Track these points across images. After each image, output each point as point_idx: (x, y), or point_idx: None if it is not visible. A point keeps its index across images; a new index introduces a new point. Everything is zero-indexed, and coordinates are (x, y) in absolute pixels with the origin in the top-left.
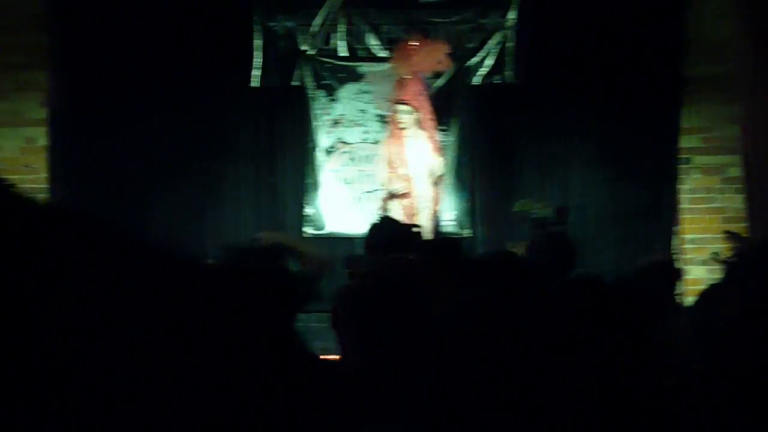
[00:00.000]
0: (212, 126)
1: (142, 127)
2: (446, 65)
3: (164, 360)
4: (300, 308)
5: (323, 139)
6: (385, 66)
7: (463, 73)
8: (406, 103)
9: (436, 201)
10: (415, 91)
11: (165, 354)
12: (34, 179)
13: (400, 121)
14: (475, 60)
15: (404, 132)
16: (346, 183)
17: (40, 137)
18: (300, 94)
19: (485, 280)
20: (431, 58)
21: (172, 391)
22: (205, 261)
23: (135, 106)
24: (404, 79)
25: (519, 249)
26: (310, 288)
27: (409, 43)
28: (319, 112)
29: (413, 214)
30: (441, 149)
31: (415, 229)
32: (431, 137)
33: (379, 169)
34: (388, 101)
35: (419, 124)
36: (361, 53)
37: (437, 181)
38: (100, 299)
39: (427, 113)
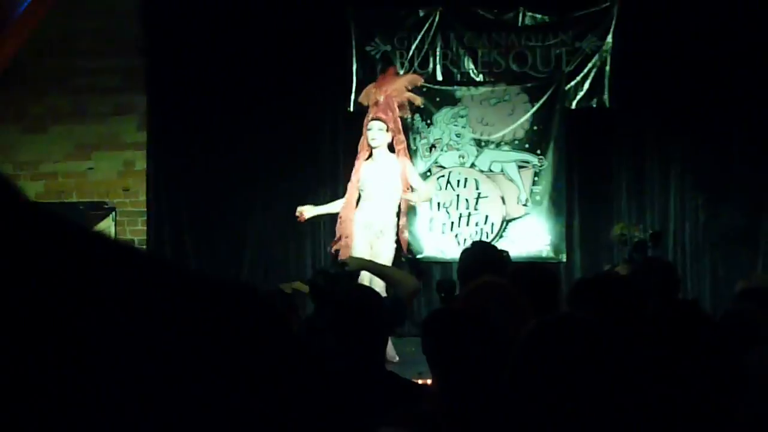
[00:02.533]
0: (309, 149)
1: (240, 149)
2: (414, 99)
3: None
4: (390, 331)
5: (419, 163)
6: (482, 90)
7: (560, 97)
8: (381, 120)
9: (402, 228)
10: (388, 112)
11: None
12: (133, 202)
13: (373, 138)
14: (571, 84)
15: (374, 151)
16: (443, 208)
17: (139, 160)
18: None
19: (588, 303)
20: (402, 86)
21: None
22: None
23: (232, 128)
24: (378, 100)
25: (622, 272)
26: (400, 312)
27: (390, 70)
28: (414, 135)
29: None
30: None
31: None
32: (402, 161)
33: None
34: (371, 119)
35: (391, 144)
36: (457, 77)
37: (405, 207)
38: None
39: (399, 135)
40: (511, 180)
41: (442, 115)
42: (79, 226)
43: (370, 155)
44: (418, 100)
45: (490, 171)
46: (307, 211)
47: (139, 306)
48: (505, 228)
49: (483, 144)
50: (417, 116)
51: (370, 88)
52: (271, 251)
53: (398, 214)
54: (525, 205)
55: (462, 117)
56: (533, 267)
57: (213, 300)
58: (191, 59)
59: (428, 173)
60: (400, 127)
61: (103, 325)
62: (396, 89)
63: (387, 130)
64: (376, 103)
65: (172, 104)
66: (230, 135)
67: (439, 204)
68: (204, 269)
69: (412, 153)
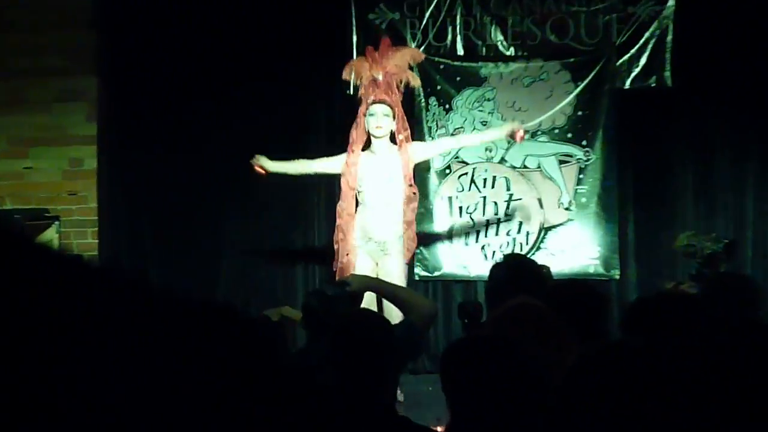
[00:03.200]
0: (299, 141)
1: (213, 144)
2: (413, 79)
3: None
4: (403, 366)
5: (436, 158)
6: (513, 67)
7: (609, 75)
8: (386, 104)
9: (408, 241)
10: (391, 94)
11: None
12: (81, 210)
13: (378, 126)
14: (624, 59)
15: (376, 142)
16: (465, 213)
17: (88, 158)
18: (407, 103)
19: (647, 329)
20: (404, 62)
21: None
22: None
23: (203, 118)
24: (377, 79)
25: (689, 290)
26: (414, 342)
27: (384, 41)
28: (430, 125)
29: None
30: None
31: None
32: (404, 154)
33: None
34: (373, 102)
35: (392, 135)
36: (482, 51)
37: (411, 205)
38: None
39: (404, 122)
40: (551, 178)
41: (464, 99)
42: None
43: (367, 147)
44: (417, 81)
45: (525, 167)
46: (265, 163)
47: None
48: (544, 238)
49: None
50: (432, 100)
51: (361, 63)
52: (254, 268)
53: (406, 222)
54: (568, 209)
55: (488, 101)
56: (578, 286)
57: (183, 322)
58: (152, 34)
59: (447, 170)
60: (403, 113)
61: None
62: (397, 65)
63: (393, 117)
64: (374, 83)
65: (129, 89)
66: (201, 126)
67: (461, 209)
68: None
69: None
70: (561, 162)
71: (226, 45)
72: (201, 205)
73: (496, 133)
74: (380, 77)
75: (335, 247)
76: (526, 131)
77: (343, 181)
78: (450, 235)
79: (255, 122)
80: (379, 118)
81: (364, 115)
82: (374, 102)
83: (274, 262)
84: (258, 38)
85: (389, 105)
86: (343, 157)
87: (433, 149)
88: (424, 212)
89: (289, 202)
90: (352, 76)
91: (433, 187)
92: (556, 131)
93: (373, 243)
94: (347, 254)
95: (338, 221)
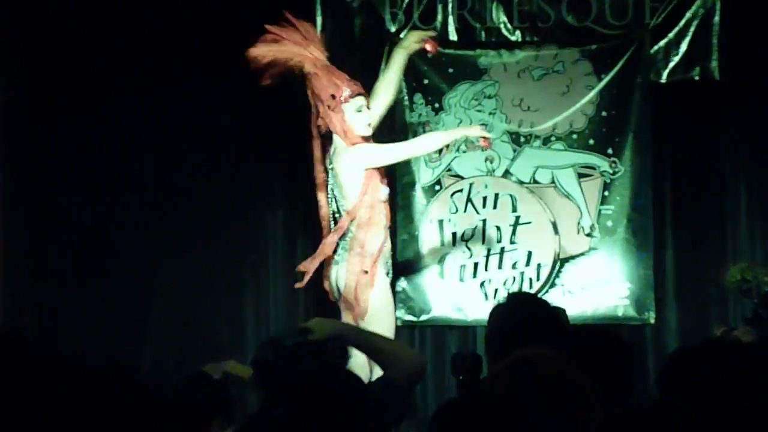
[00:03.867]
0: (250, 152)
1: (140, 155)
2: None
3: None
4: None
5: (423, 171)
6: (520, 55)
7: (642, 65)
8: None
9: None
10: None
11: None
12: None
13: (369, 123)
14: (660, 45)
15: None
16: (460, 240)
17: None
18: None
19: (689, 386)
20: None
21: None
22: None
23: (127, 123)
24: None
25: (743, 337)
26: (396, 405)
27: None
28: (416, 128)
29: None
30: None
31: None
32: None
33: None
34: (357, 95)
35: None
36: (481, 35)
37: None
38: None
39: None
40: (568, 196)
41: (459, 96)
42: None
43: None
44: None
45: (535, 182)
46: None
47: None
48: (559, 272)
49: (523, 140)
50: (418, 98)
51: (296, 42)
52: (191, 312)
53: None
54: (589, 234)
55: (489, 98)
56: (602, 333)
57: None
58: (56, 11)
59: (437, 187)
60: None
61: None
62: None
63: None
64: (324, 70)
65: (25, 83)
66: (124, 133)
67: (454, 235)
68: (78, 350)
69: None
70: (581, 175)
71: (156, 30)
72: (125, 235)
73: (452, 135)
74: (314, 70)
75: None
76: (488, 139)
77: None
78: (441, 269)
79: (193, 128)
80: (368, 113)
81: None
82: (357, 94)
83: (218, 305)
84: (197, 23)
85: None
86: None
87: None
88: (408, 239)
89: (237, 226)
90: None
91: (420, 207)
92: (575, 136)
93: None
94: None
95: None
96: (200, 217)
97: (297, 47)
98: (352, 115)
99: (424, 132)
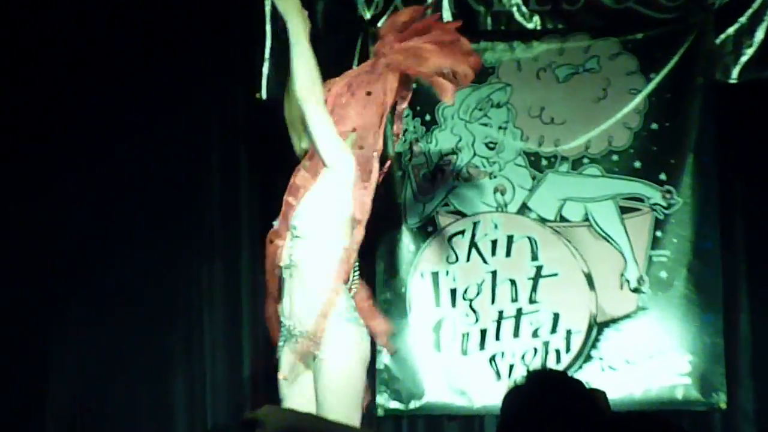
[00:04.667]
0: (181, 176)
1: (42, 184)
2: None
3: None
4: None
5: (410, 206)
6: (540, 48)
7: (702, 61)
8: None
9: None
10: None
11: None
12: None
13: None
14: (728, 33)
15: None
16: (462, 299)
17: None
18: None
19: None
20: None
21: None
22: None
23: (31, 140)
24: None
25: None
26: None
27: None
28: (401, 149)
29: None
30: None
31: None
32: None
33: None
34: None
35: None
36: (486, 22)
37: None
38: None
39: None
40: (607, 238)
41: (457, 105)
42: None
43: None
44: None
45: (562, 220)
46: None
47: None
48: (597, 341)
49: (545, 163)
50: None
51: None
52: (104, 393)
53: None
54: (637, 290)
55: (498, 107)
56: (654, 423)
57: None
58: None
59: (429, 227)
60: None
61: None
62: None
63: None
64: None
65: None
66: (25, 156)
67: (454, 293)
68: None
69: (393, 185)
70: (624, 210)
71: (74, 28)
72: (17, 292)
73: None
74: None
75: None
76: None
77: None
78: (437, 339)
79: (113, 147)
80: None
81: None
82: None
83: (136, 385)
84: (124, 20)
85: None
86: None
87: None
88: (391, 299)
89: (159, 284)
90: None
91: (406, 255)
92: (616, 158)
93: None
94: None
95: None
96: (112, 268)
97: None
98: None
99: (410, 152)
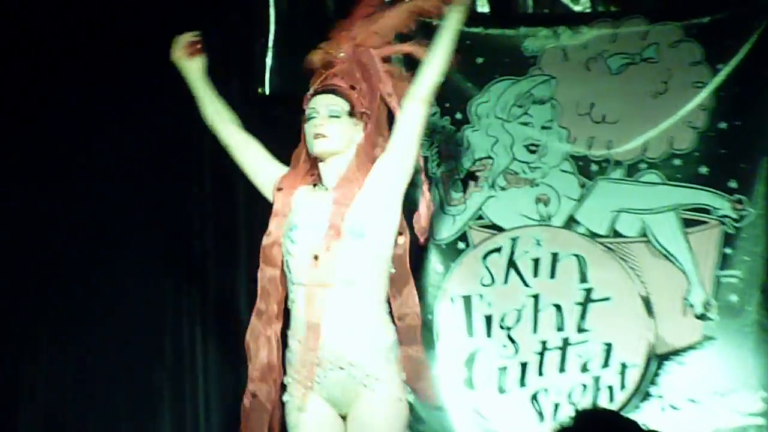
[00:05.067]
0: (164, 186)
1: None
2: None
3: None
4: None
5: (439, 220)
6: (589, 34)
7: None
8: (337, 92)
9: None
10: (356, 77)
11: None
12: None
13: (317, 132)
14: None
15: (324, 165)
16: (500, 328)
17: None
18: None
19: None
20: (393, 23)
21: None
22: None
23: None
24: (334, 58)
25: None
26: None
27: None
28: (427, 152)
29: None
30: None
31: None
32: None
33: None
34: (314, 93)
35: (362, 137)
36: (527, 5)
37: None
38: None
39: (381, 125)
40: (668, 255)
41: (493, 100)
42: None
43: (315, 174)
44: (420, 51)
45: (616, 235)
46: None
47: None
48: (656, 375)
49: (595, 169)
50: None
51: (329, 44)
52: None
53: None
54: (703, 316)
55: (541, 103)
56: None
57: None
58: None
59: (460, 242)
60: (383, 114)
61: None
62: (379, 30)
63: (352, 114)
64: (328, 65)
65: None
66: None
67: (489, 320)
68: None
69: (412, 198)
70: (688, 223)
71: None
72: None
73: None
74: (342, 54)
75: (250, 389)
76: None
77: (265, 248)
78: (469, 374)
79: (89, 154)
80: (320, 118)
81: (304, 121)
82: (317, 92)
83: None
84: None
85: (344, 95)
86: (278, 173)
87: (402, 145)
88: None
89: (136, 309)
90: (318, 59)
91: (433, 276)
92: (678, 162)
93: (336, 370)
94: (273, 399)
95: (253, 320)
96: (89, 285)
97: None
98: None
99: (440, 156)
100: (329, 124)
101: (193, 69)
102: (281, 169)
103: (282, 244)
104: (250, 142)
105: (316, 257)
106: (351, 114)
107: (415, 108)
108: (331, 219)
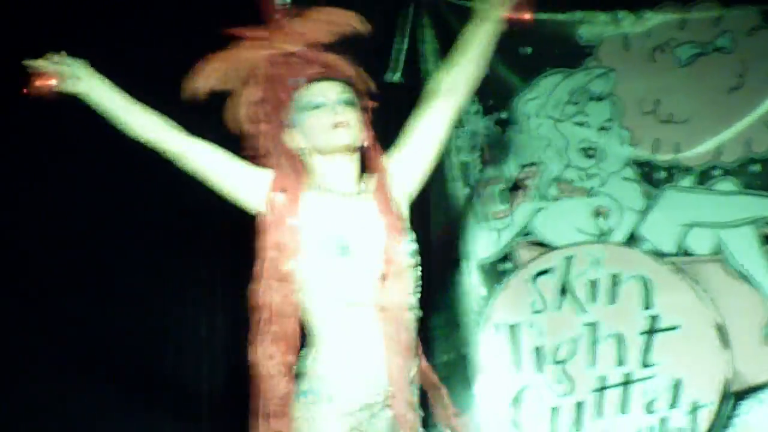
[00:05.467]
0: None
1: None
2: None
3: None
4: None
5: (480, 236)
6: (654, 20)
7: None
8: (341, 80)
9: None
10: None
11: None
12: None
13: (339, 123)
14: None
15: (348, 137)
16: (552, 361)
17: None
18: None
19: None
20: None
21: None
22: None
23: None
24: (290, 52)
25: None
26: None
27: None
28: (464, 157)
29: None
30: None
31: None
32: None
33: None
34: (310, 81)
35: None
36: None
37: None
38: None
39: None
40: (746, 277)
41: (543, 97)
42: None
43: (312, 174)
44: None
45: (686, 253)
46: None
47: None
48: (733, 415)
49: (662, 174)
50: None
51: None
52: None
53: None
54: None
55: (599, 99)
56: None
57: None
58: None
59: (507, 264)
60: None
61: None
62: (331, 22)
63: (360, 110)
64: (288, 57)
65: None
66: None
67: (539, 351)
68: None
69: (453, 204)
70: None
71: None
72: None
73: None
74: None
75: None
76: None
77: (263, 261)
78: (516, 415)
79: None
80: (338, 109)
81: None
82: (312, 79)
83: None
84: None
85: (347, 80)
86: (256, 174)
87: (420, 148)
88: (451, 362)
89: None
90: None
91: (474, 301)
92: (757, 168)
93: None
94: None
95: (267, 344)
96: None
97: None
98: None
99: (481, 160)
100: (347, 113)
101: (95, 88)
102: (255, 170)
103: (306, 258)
104: (205, 146)
105: (384, 276)
106: (359, 108)
107: (442, 103)
108: (388, 231)
